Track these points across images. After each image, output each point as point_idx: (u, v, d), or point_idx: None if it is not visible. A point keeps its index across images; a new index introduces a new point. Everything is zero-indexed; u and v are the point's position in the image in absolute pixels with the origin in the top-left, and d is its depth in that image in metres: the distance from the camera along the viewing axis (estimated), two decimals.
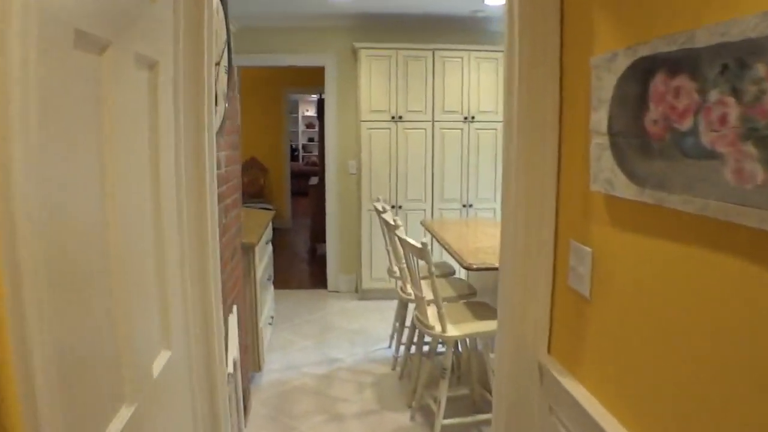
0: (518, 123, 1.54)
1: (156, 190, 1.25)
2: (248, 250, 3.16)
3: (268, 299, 3.87)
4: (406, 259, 3.03)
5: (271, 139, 8.89)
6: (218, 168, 2.48)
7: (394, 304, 4.08)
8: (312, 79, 6.79)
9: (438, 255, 4.65)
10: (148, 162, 1.21)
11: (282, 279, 5.71)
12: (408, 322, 3.69)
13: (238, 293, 2.87)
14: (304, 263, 6.82)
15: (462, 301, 3.26)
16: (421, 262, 2.92)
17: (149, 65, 1.22)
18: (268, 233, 3.96)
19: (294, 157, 13.54)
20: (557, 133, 1.52)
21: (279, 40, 5.27)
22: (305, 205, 8.01)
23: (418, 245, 2.63)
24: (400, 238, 2.90)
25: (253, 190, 8.79)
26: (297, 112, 14.72)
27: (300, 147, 14.90)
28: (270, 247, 4.09)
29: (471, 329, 2.80)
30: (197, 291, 1.56)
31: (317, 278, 5.96)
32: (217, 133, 2.32)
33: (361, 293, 5.31)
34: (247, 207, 4.92)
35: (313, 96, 11.63)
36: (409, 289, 3.37)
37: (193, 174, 1.50)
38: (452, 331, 2.76)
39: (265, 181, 8.97)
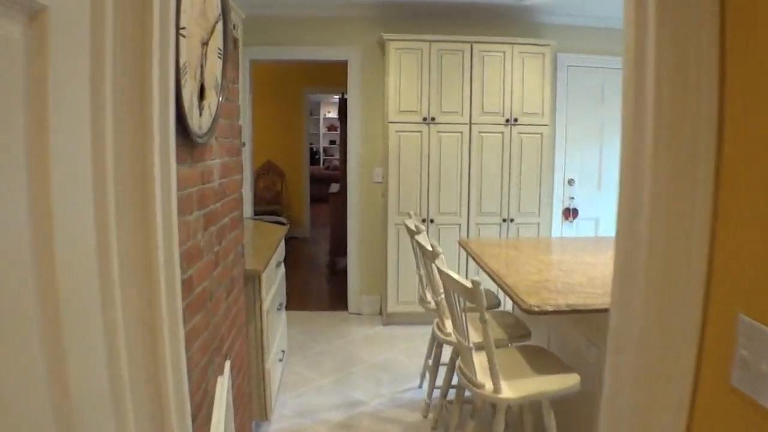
0: (653, 114, 0.97)
1: (44, 211, 0.67)
2: (253, 278, 2.59)
3: (279, 331, 3.29)
4: (446, 295, 2.42)
5: (289, 141, 8.35)
6: (209, 181, 1.91)
7: (423, 331, 3.48)
8: (333, 78, 6.25)
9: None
10: (23, 163, 0.63)
11: (297, 299, 5.14)
12: (443, 359, 3.09)
13: (238, 333, 2.29)
14: (322, 279, 6.23)
15: (514, 345, 2.64)
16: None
17: (27, 13, 0.65)
18: (280, 253, 3.39)
19: (315, 161, 13.04)
20: (715, 133, 0.92)
21: (296, 30, 4.68)
22: (326, 212, 7.43)
23: (468, 284, 2.01)
24: (442, 272, 2.29)
25: (269, 195, 8.26)
26: (318, 114, 14.24)
27: (321, 150, 14.42)
28: (282, 270, 3.52)
29: (531, 389, 2.18)
30: (145, 375, 0.98)
31: (336, 298, 5.36)
32: (206, 134, 1.75)
33: (386, 317, 4.70)
34: (257, 219, 4.36)
35: (335, 97, 11.10)
36: (448, 327, 2.76)
37: (135, 189, 0.92)
38: (507, 391, 2.15)
39: (282, 187, 8.43)
